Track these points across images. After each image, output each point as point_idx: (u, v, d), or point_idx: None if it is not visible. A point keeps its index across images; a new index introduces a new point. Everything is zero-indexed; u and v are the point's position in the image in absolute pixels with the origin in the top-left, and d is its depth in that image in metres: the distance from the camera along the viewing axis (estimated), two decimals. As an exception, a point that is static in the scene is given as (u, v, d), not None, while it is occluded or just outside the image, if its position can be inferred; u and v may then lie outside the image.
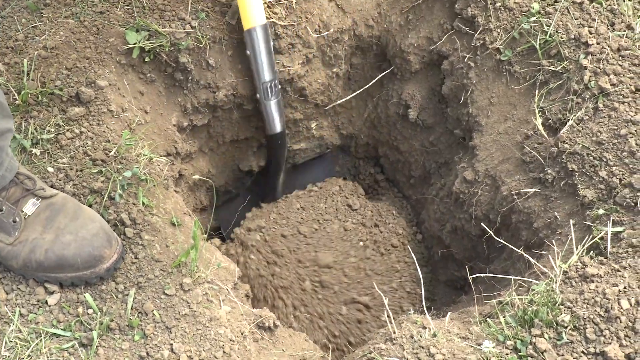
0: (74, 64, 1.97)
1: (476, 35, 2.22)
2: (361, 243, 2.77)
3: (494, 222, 2.20)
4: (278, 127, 2.44)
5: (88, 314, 1.64)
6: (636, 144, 1.85)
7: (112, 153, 1.86)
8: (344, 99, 2.58)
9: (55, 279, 1.66)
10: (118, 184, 1.81)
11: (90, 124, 1.91)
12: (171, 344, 1.61)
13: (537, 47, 2.09)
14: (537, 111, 2.08)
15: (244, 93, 2.35)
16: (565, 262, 1.76)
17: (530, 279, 1.82)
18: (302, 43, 2.33)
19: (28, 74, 1.92)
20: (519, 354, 1.61)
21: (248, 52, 2.22)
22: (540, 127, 2.04)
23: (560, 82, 2.05)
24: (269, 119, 2.41)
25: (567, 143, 1.95)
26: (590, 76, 1.98)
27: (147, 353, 1.59)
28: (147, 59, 2.10)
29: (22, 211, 1.66)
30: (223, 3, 2.17)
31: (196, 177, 2.42)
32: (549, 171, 2.00)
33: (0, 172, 1.63)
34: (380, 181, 3.05)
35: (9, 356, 1.56)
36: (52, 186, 1.79)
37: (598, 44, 2.01)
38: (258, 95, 2.33)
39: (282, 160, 2.66)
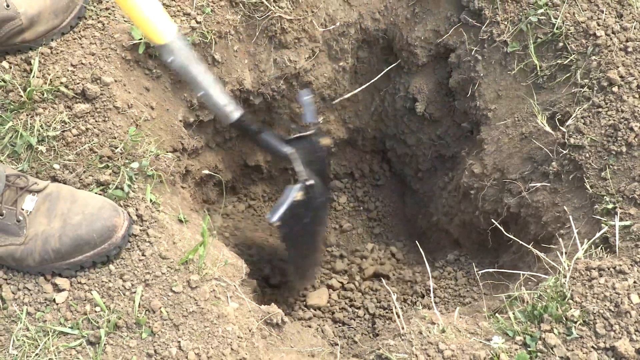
0: (79, 60, 1.97)
1: (483, 28, 2.20)
2: None
3: (502, 216, 2.19)
4: None
5: (96, 311, 1.64)
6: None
7: (118, 150, 1.86)
8: (350, 93, 2.56)
9: (76, 265, 1.67)
10: (126, 175, 1.81)
11: (96, 121, 1.91)
12: (179, 342, 1.61)
13: (545, 39, 2.07)
14: (535, 108, 2.07)
15: (250, 88, 2.34)
16: (574, 256, 1.75)
17: (539, 274, 1.81)
18: (308, 37, 2.32)
19: (33, 71, 1.92)
20: (529, 349, 1.60)
21: None
22: (544, 121, 2.02)
23: (567, 74, 2.03)
24: None
25: (573, 137, 1.94)
26: (598, 68, 1.96)
27: (155, 351, 1.59)
28: (153, 55, 2.09)
29: (23, 209, 1.67)
30: (228, -2, 2.16)
31: (205, 172, 2.41)
32: (556, 165, 1.98)
33: None
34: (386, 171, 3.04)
35: (17, 354, 1.56)
36: (56, 179, 1.80)
37: (606, 35, 1.99)
38: None
39: None
